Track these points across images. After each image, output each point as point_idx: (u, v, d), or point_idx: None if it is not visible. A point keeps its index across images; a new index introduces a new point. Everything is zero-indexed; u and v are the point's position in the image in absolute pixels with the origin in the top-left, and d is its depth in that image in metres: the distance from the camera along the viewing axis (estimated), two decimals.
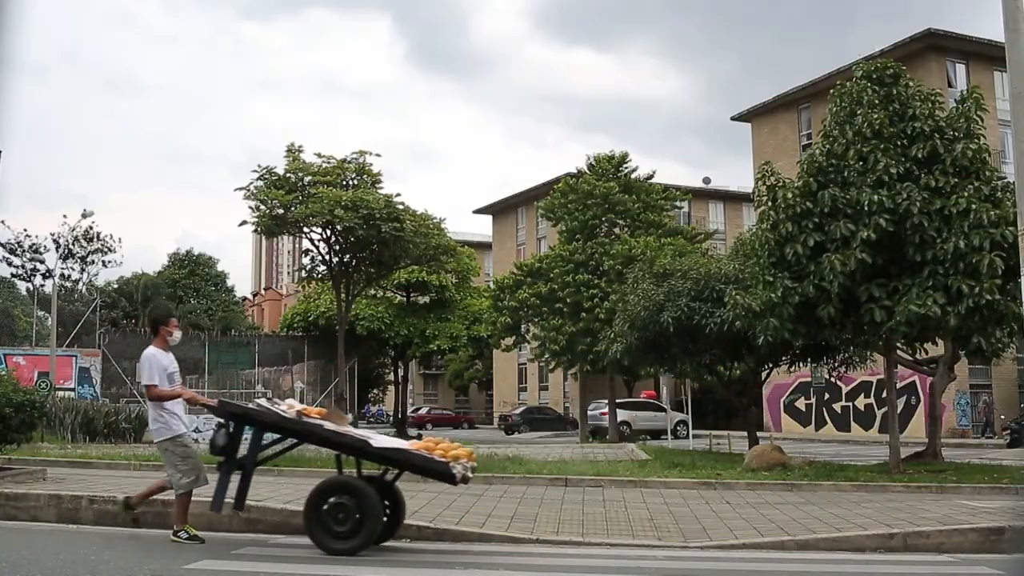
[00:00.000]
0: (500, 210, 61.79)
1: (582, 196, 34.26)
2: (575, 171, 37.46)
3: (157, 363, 7.34)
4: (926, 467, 14.84)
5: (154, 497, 8.20)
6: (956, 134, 13.66)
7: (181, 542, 7.07)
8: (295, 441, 7.65)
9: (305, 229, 22.02)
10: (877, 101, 13.84)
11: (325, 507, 6.85)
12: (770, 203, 14.31)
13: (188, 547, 6.97)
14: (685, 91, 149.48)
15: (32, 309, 54.69)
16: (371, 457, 7.25)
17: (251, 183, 21.22)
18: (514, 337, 37.52)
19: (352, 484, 7.07)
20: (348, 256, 22.21)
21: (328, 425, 7.16)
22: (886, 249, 13.06)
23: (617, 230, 34.64)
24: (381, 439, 7.33)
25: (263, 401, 7.48)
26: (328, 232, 21.52)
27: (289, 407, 7.29)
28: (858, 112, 13.84)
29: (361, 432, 7.62)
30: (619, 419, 34.64)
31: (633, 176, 36.04)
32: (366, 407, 57.63)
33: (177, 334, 7.66)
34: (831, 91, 14.90)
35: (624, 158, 36.35)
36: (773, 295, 13.44)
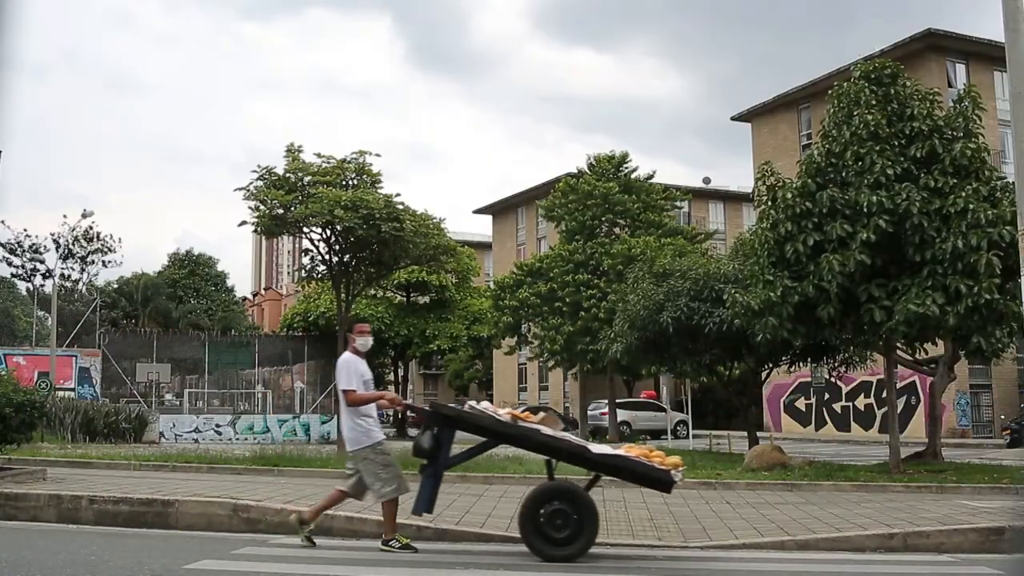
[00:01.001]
0: (500, 210, 61.79)
1: (582, 196, 34.29)
2: (576, 171, 37.47)
3: (355, 368, 7.16)
4: (926, 467, 14.84)
5: (156, 498, 8.20)
6: (955, 134, 13.66)
7: (393, 551, 6.90)
8: (489, 444, 7.48)
9: (305, 229, 21.98)
10: (875, 102, 13.84)
11: (542, 514, 6.72)
12: (770, 203, 14.32)
13: (187, 547, 6.97)
14: (685, 91, 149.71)
15: (32, 309, 54.70)
16: (589, 464, 7.10)
17: (251, 183, 21.21)
18: (515, 337, 37.53)
19: (570, 490, 6.95)
20: (348, 256, 22.16)
21: (544, 430, 7.02)
22: (885, 249, 13.06)
23: (617, 230, 34.64)
24: (599, 446, 7.16)
25: (475, 403, 7.33)
26: (328, 232, 21.48)
27: (505, 412, 7.16)
28: (855, 113, 13.85)
29: (578, 439, 7.41)
30: (619, 419, 34.64)
31: (633, 176, 36.05)
32: None
33: (364, 339, 7.46)
34: (829, 91, 14.90)
35: (624, 158, 36.35)
36: (773, 294, 13.44)
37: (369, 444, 7.05)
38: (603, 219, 34.23)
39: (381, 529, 7.80)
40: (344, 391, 7.09)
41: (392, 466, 7.07)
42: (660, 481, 7.05)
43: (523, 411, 7.59)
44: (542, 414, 7.61)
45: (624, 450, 7.25)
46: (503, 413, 7.14)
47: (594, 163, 36.17)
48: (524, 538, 6.83)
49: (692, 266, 19.54)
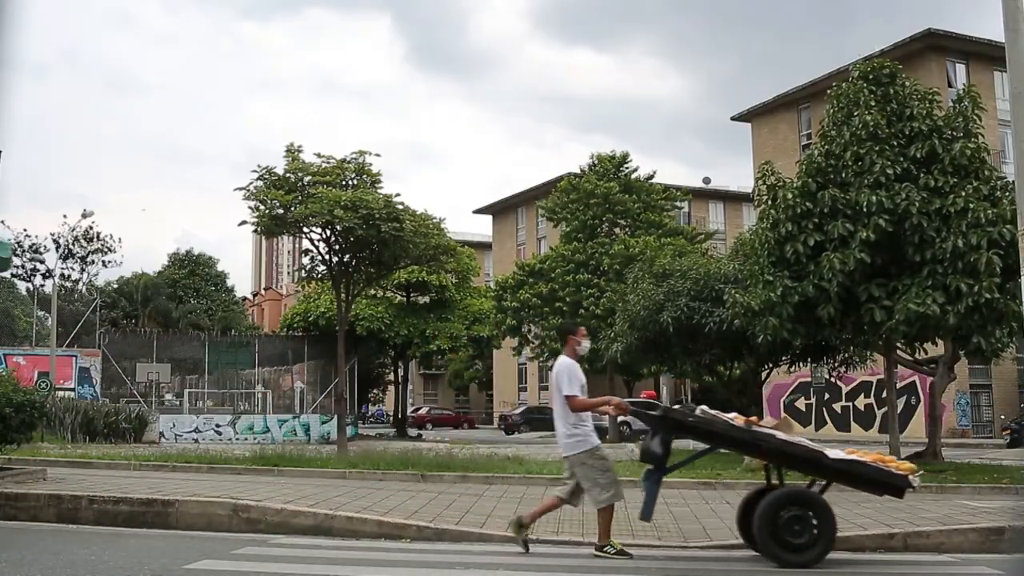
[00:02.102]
0: (500, 210, 61.81)
1: (583, 196, 34.26)
2: (578, 170, 37.45)
3: (576, 373, 7.09)
4: (926, 467, 14.80)
5: (156, 498, 8.20)
6: (954, 133, 13.67)
7: (609, 557, 6.84)
8: (711, 450, 7.50)
9: (305, 229, 21.95)
10: (874, 102, 13.85)
11: (781, 518, 6.62)
12: (770, 202, 14.33)
13: (187, 547, 6.97)
14: (685, 91, 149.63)
15: (32, 309, 54.69)
16: (826, 471, 6.93)
17: (251, 183, 21.18)
18: (517, 338, 37.53)
19: (809, 496, 6.85)
20: (348, 256, 22.13)
21: (779, 435, 6.91)
22: (885, 249, 13.07)
23: (617, 230, 34.63)
24: (835, 452, 6.99)
25: (706, 408, 7.26)
26: (328, 232, 21.45)
27: (731, 415, 7.10)
28: (855, 113, 13.86)
29: (813, 444, 7.22)
30: (619, 419, 34.60)
31: (633, 176, 36.05)
32: (364, 407, 57.64)
33: (585, 343, 7.41)
34: (829, 91, 14.91)
35: (625, 158, 36.34)
36: (773, 295, 13.45)
37: (587, 449, 7.04)
38: (604, 219, 34.21)
39: (381, 529, 7.81)
40: (567, 396, 7.03)
41: (610, 471, 7.04)
42: (897, 488, 6.92)
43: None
44: (768, 418, 7.47)
45: (858, 455, 7.07)
46: (731, 418, 7.08)
47: (595, 163, 36.15)
48: (760, 543, 6.73)
49: (692, 266, 19.55)
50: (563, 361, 7.19)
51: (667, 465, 7.04)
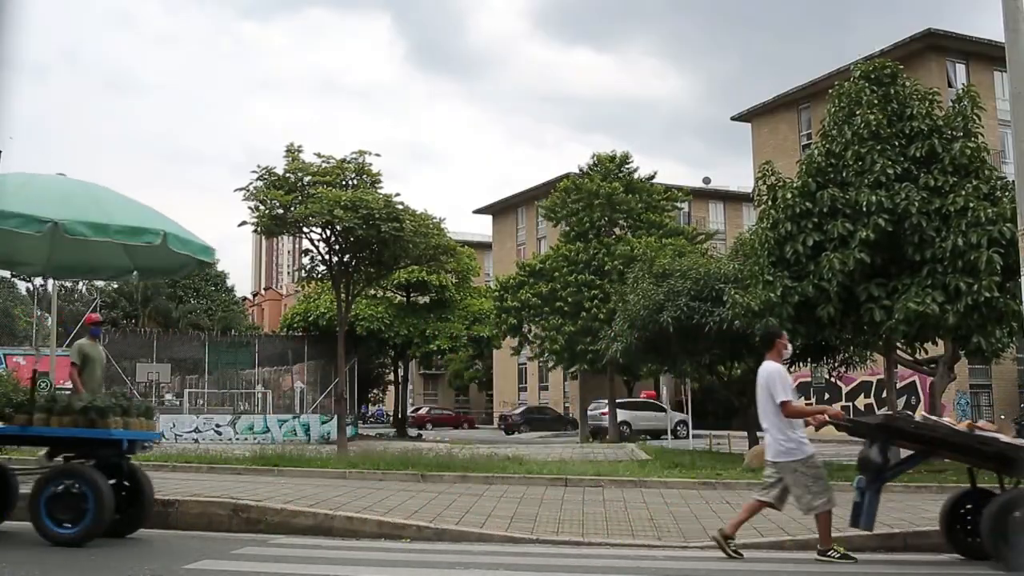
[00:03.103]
0: (500, 210, 61.82)
1: (585, 196, 34.21)
2: (578, 170, 37.43)
3: (787, 377, 7.04)
4: (926, 467, 14.82)
5: (156, 498, 8.18)
6: (954, 133, 13.67)
7: (833, 561, 6.79)
8: (924, 456, 7.42)
9: (305, 229, 21.97)
10: (875, 101, 13.86)
11: (1009, 521, 6.50)
12: (770, 202, 14.34)
13: (187, 547, 6.96)
14: (685, 91, 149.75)
15: (32, 309, 54.68)
16: None
17: (250, 183, 21.20)
18: (517, 338, 37.55)
19: None
20: (348, 256, 22.14)
21: (1003, 438, 6.80)
22: (885, 249, 13.08)
23: (617, 230, 34.63)
24: None
25: (927, 415, 7.24)
26: (328, 232, 21.45)
27: (946, 419, 7.01)
28: (856, 112, 13.86)
29: None
30: (619, 419, 34.65)
31: (635, 176, 36.05)
32: (364, 407, 57.66)
33: (789, 348, 7.32)
34: (829, 91, 14.92)
35: (626, 158, 36.33)
36: (773, 295, 13.45)
37: (801, 458, 6.95)
38: (607, 219, 34.18)
39: (381, 529, 7.81)
40: (783, 402, 6.96)
41: (823, 479, 6.97)
42: None
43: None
44: (981, 422, 7.38)
45: None
46: (952, 423, 7.01)
47: (596, 163, 36.13)
48: (992, 548, 6.61)
49: (692, 266, 19.55)
50: (772, 366, 7.15)
51: (887, 473, 6.99)
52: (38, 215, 6.63)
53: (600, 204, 33.87)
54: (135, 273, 9.05)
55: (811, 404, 39.65)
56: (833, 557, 6.86)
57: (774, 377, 7.04)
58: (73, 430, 6.98)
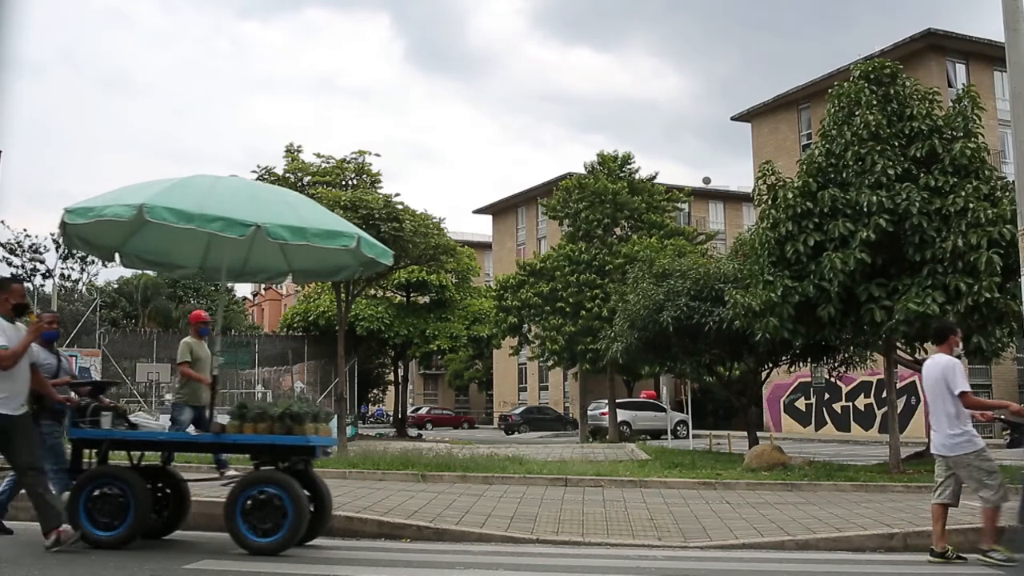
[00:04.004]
0: (500, 210, 61.83)
1: (589, 195, 34.14)
2: (578, 170, 37.42)
3: (962, 369, 6.97)
4: (926, 467, 14.82)
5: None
6: (954, 133, 13.67)
7: (992, 562, 6.66)
8: None
9: None
10: (875, 102, 13.85)
11: None
12: (770, 202, 14.33)
13: (187, 547, 6.95)
14: (685, 91, 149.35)
15: (32, 309, 54.65)
16: None
17: None
18: (517, 338, 37.55)
19: None
20: None
21: None
22: (885, 249, 13.08)
23: (618, 230, 34.63)
24: None
25: None
26: None
27: None
28: (856, 113, 13.86)
29: None
30: (619, 419, 34.66)
31: (636, 177, 36.04)
32: (364, 407, 57.67)
33: (960, 346, 7.20)
34: (829, 91, 14.91)
35: (628, 158, 36.33)
36: (773, 294, 13.44)
37: (974, 451, 6.90)
38: (610, 219, 34.15)
39: (381, 529, 7.81)
40: (962, 393, 6.88)
41: (996, 472, 6.92)
42: None
43: None
44: None
45: None
46: None
47: (600, 162, 36.10)
48: None
49: (692, 266, 19.56)
50: (947, 359, 7.09)
51: None
52: (241, 218, 6.57)
53: (605, 203, 33.82)
54: (290, 275, 8.94)
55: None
56: (993, 559, 6.71)
57: (952, 368, 7.00)
58: (271, 437, 6.87)
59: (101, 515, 6.68)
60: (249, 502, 6.62)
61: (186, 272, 9.50)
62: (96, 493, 6.72)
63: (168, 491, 7.39)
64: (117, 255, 8.11)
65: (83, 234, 7.47)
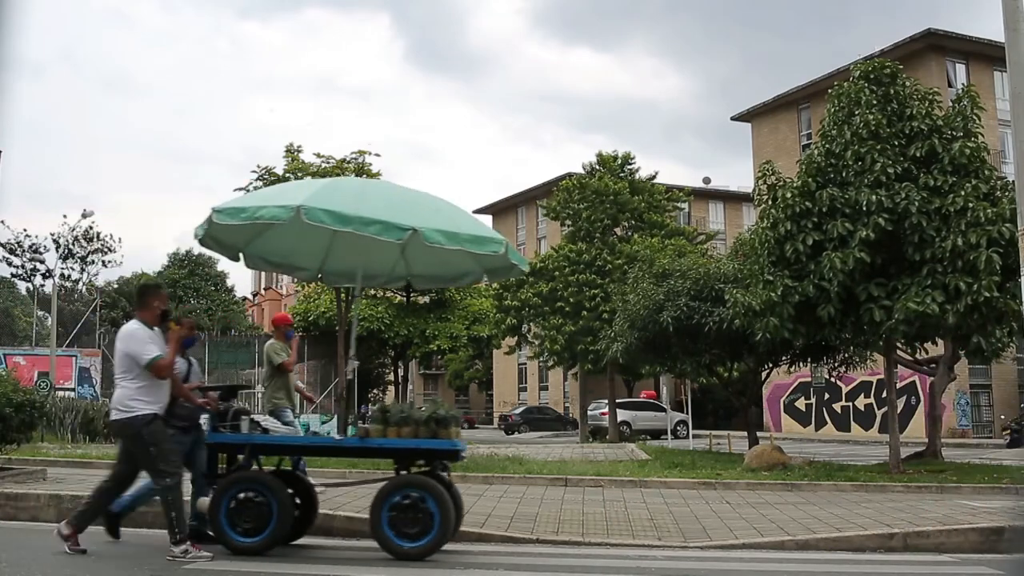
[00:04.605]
0: (500, 210, 61.83)
1: (590, 194, 34.15)
2: (578, 170, 37.42)
3: None
4: (926, 467, 14.84)
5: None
6: (954, 133, 13.66)
7: None
8: None
9: None
10: (875, 101, 13.85)
11: None
12: (770, 202, 14.33)
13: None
14: (685, 91, 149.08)
15: (32, 309, 54.70)
16: None
17: (250, 183, 21.26)
18: (516, 338, 37.55)
19: None
20: None
21: None
22: (885, 248, 13.07)
23: (619, 230, 34.63)
24: None
25: None
26: None
27: None
28: (856, 112, 13.86)
29: None
30: (619, 419, 34.66)
31: (636, 176, 36.05)
32: (364, 406, 57.66)
33: None
34: (829, 91, 14.91)
35: (628, 158, 36.33)
36: (773, 294, 13.44)
37: None
38: (612, 218, 34.16)
39: None
40: None
41: None
42: None
43: None
44: None
45: None
46: None
47: (600, 162, 36.09)
48: None
49: (692, 266, 19.56)
50: None
51: None
52: (398, 222, 6.50)
53: (605, 203, 33.81)
54: (408, 280, 8.89)
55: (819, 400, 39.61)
56: None
57: None
58: (417, 441, 6.78)
59: (243, 521, 6.57)
60: (395, 507, 6.54)
61: (305, 275, 9.37)
62: (239, 498, 6.60)
63: (298, 497, 7.22)
64: (241, 256, 8.05)
65: (216, 234, 7.37)
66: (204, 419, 7.20)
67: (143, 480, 6.84)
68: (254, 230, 7.49)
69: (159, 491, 6.44)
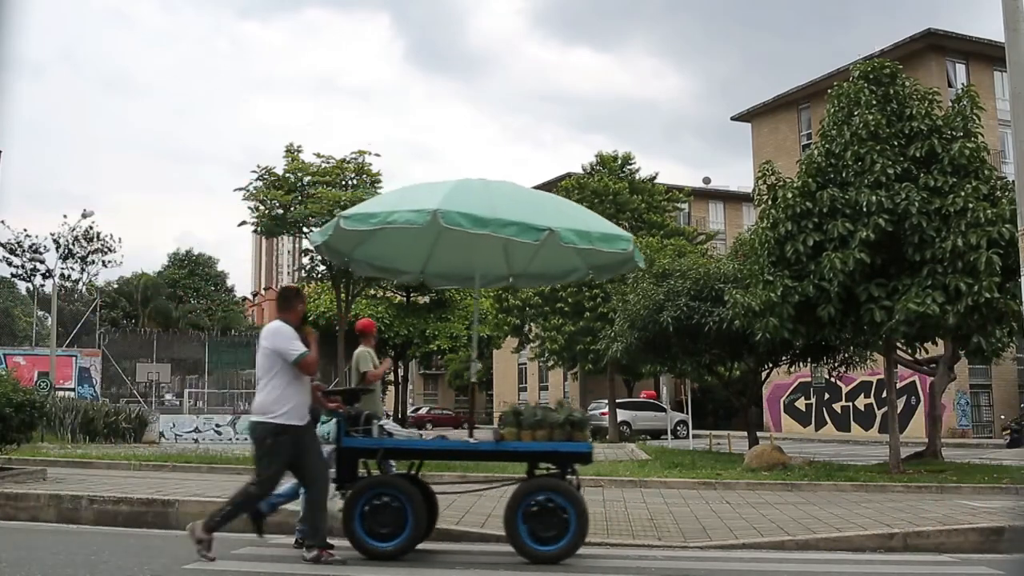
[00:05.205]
0: None
1: (589, 195, 34.18)
2: (578, 170, 37.44)
3: None
4: (926, 467, 14.84)
5: (156, 498, 8.19)
6: (954, 133, 13.66)
7: None
8: None
9: (304, 229, 21.98)
10: (875, 102, 13.85)
11: None
12: (770, 202, 14.34)
13: (187, 547, 6.94)
14: (685, 91, 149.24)
15: (32, 309, 54.69)
16: None
17: (250, 183, 21.27)
18: (518, 339, 37.57)
19: None
20: None
21: None
22: (885, 249, 13.07)
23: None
24: None
25: None
26: None
27: None
28: (856, 113, 13.86)
29: None
30: (619, 419, 34.64)
31: (636, 176, 36.06)
32: None
33: None
34: (829, 91, 14.91)
35: (628, 158, 36.33)
36: (773, 294, 13.44)
37: None
38: (611, 218, 34.19)
39: None
40: None
41: None
42: None
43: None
44: None
45: None
46: None
47: (599, 162, 36.10)
48: None
49: (692, 266, 19.56)
50: None
51: None
52: (535, 223, 6.47)
53: (605, 203, 33.84)
54: (510, 279, 8.84)
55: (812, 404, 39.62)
56: None
57: None
58: (554, 444, 6.73)
59: (379, 526, 6.52)
60: (530, 510, 6.49)
61: (408, 277, 9.30)
62: (373, 503, 6.55)
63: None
64: (348, 261, 8.01)
65: (334, 241, 7.30)
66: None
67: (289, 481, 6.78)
68: (361, 236, 7.38)
69: (245, 487, 6.42)
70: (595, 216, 7.73)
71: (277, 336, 6.38)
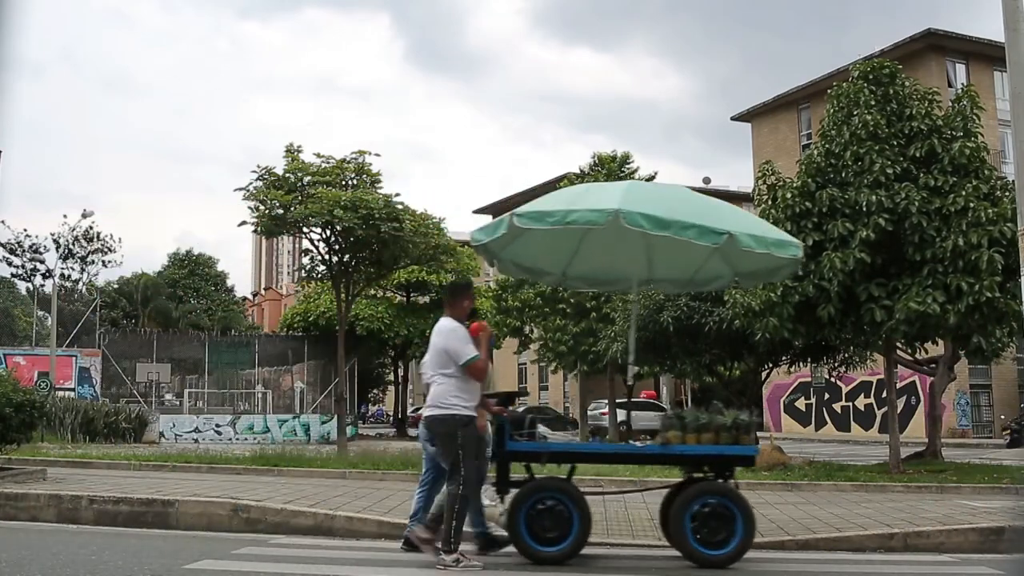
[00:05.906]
0: (500, 210, 61.65)
1: None
2: (577, 170, 37.40)
3: None
4: (926, 467, 14.85)
5: (156, 498, 8.18)
6: (954, 133, 13.67)
7: None
8: None
9: (304, 229, 21.95)
10: (874, 102, 13.86)
11: None
12: (770, 202, 14.34)
13: (187, 547, 6.95)
14: (685, 91, 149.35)
15: (32, 309, 54.67)
16: None
17: (250, 183, 21.18)
18: (519, 340, 37.52)
19: None
20: (348, 256, 22.11)
21: None
22: (885, 248, 13.07)
23: None
24: None
25: None
26: (328, 232, 21.44)
27: None
28: (855, 113, 13.86)
29: None
30: (619, 419, 34.63)
31: (635, 176, 36.01)
32: (364, 407, 57.67)
33: None
34: (829, 91, 14.92)
35: (627, 158, 36.30)
36: (773, 294, 13.44)
37: None
38: None
39: (381, 529, 7.79)
40: None
41: None
42: None
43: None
44: None
45: None
46: None
47: (597, 163, 36.07)
48: None
49: None
50: None
51: None
52: (714, 227, 6.47)
53: None
54: (650, 284, 8.86)
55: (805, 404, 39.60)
56: None
57: None
58: (720, 447, 6.73)
59: (545, 530, 6.50)
60: (698, 514, 6.53)
61: (550, 279, 9.30)
62: (539, 507, 6.53)
63: None
64: (496, 261, 8.04)
65: (501, 239, 7.22)
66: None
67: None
68: (508, 238, 7.29)
69: (449, 493, 6.32)
70: (764, 221, 7.79)
71: (452, 336, 6.38)
